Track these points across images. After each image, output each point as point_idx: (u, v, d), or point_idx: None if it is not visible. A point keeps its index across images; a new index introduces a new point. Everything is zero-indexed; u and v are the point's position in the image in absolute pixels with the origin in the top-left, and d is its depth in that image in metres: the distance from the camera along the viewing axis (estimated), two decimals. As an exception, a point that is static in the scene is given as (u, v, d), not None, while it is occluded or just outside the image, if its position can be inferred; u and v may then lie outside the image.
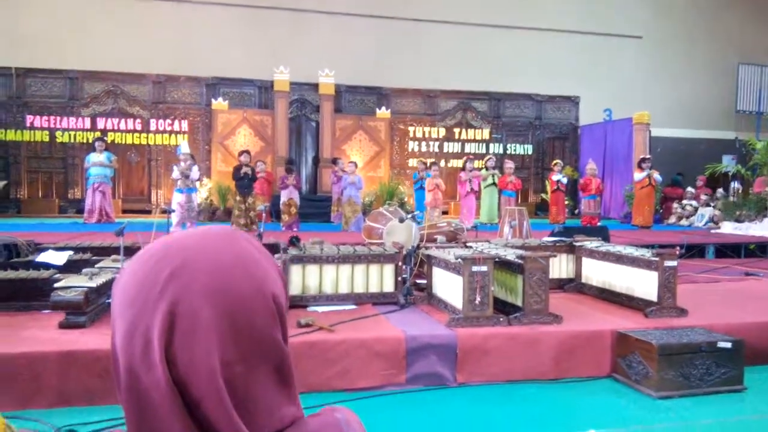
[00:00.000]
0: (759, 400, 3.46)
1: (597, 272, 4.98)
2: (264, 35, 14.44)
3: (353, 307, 4.38)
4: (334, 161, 12.41)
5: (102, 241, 5.91)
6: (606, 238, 6.66)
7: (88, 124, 13.16)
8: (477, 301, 3.81)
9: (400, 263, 4.57)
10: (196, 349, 0.59)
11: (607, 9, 16.45)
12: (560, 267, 5.31)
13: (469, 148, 14.97)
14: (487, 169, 12.07)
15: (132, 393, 0.60)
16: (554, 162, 13.32)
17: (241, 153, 10.62)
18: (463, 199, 11.65)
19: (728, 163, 14.04)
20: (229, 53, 14.01)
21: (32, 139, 12.98)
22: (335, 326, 3.71)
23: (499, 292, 4.23)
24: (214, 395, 0.59)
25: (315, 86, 14.05)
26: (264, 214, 5.96)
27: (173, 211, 8.31)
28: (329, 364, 3.43)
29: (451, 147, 15.09)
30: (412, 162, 14.22)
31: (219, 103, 13.57)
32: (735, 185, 13.91)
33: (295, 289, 4.36)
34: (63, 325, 3.58)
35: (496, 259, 4.08)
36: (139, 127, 13.42)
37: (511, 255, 4.11)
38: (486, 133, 15.32)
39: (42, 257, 4.68)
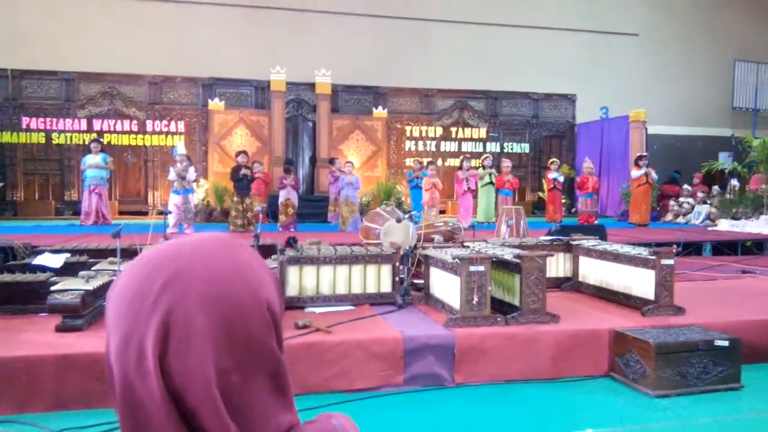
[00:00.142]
0: (756, 398, 3.47)
1: (594, 271, 4.99)
2: (260, 35, 14.40)
3: (351, 307, 4.38)
4: (331, 161, 12.40)
5: (99, 244, 5.92)
6: (603, 237, 6.67)
7: (84, 125, 13.13)
8: (474, 301, 3.81)
9: (397, 263, 4.57)
10: (191, 357, 0.59)
11: (605, 7, 16.44)
12: (557, 266, 5.32)
13: (466, 147, 15.00)
14: (484, 167, 12.08)
15: (127, 403, 0.60)
16: (551, 160, 13.31)
17: (238, 154, 10.59)
18: (460, 198, 11.65)
19: (725, 161, 14.04)
20: (225, 53, 13.96)
21: (28, 141, 12.94)
22: (333, 327, 3.71)
23: (496, 292, 4.24)
24: (210, 404, 0.59)
25: (312, 86, 14.04)
26: (261, 215, 5.96)
27: (170, 212, 8.29)
28: (327, 366, 3.43)
29: (448, 146, 15.10)
30: (409, 161, 14.18)
31: (215, 104, 13.54)
32: (732, 182, 13.92)
33: (292, 290, 4.35)
34: (60, 329, 3.58)
35: (494, 259, 4.08)
36: (135, 128, 13.38)
37: (508, 255, 4.11)
38: (483, 132, 15.34)
39: (38, 260, 4.67)
